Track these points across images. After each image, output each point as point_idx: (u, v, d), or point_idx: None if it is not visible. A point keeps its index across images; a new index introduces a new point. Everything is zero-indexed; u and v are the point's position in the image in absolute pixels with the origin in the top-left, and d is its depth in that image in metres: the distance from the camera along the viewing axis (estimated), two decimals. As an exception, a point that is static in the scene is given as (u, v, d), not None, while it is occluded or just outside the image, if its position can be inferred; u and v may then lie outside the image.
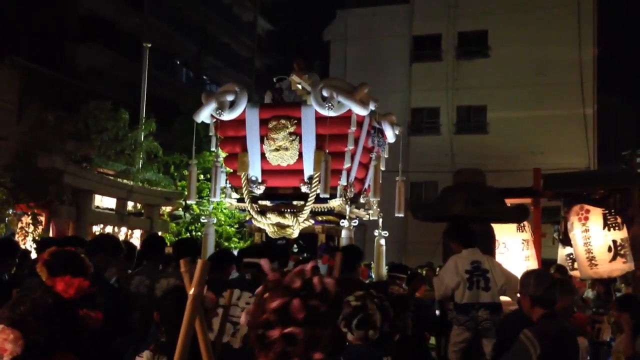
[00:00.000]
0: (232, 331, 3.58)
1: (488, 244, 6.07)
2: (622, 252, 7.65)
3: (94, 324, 1.46)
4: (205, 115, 10.12)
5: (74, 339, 1.42)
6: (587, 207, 7.83)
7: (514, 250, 7.53)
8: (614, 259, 7.70)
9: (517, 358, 3.52)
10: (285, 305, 1.43)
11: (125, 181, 14.05)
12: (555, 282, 3.64)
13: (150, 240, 6.23)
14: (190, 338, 1.54)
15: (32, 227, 11.73)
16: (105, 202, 14.00)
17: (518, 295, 5.30)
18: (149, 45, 17.96)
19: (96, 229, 13.62)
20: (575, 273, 8.93)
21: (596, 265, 7.78)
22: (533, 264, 7.63)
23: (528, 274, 3.67)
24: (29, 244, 10.95)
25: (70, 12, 21.76)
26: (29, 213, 11.83)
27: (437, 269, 10.01)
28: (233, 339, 3.58)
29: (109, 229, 13.89)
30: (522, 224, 7.47)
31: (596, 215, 7.74)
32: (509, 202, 7.29)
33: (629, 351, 4.81)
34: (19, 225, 11.79)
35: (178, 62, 29.21)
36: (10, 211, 11.71)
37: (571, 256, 9.12)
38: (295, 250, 10.82)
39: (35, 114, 13.45)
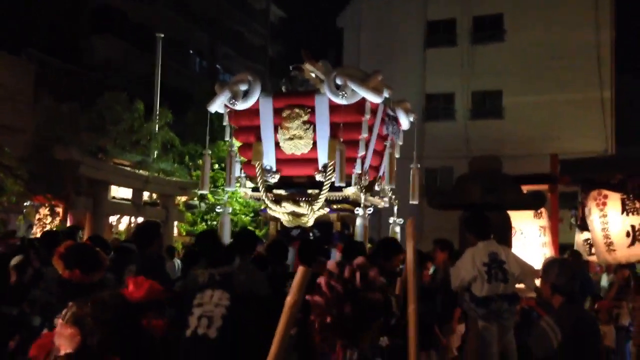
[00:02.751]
0: (207, 323, 3.85)
1: (505, 232, 6.03)
2: (640, 237, 7.55)
3: (156, 332, 1.40)
4: (218, 105, 10.11)
5: (131, 345, 1.38)
6: (605, 192, 7.72)
7: (531, 237, 7.46)
8: (632, 244, 7.60)
9: (538, 344, 3.54)
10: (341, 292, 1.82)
11: (140, 172, 14.12)
12: (577, 272, 3.63)
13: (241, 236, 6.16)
14: (285, 347, 1.54)
15: (49, 219, 11.84)
16: (121, 192, 14.10)
17: (537, 282, 5.30)
18: (162, 35, 17.96)
19: (113, 220, 13.73)
20: (593, 258, 8.86)
21: (614, 250, 7.69)
22: (550, 251, 7.56)
23: (552, 263, 3.66)
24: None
25: (82, 4, 21.84)
26: (46, 205, 11.94)
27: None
28: (209, 330, 3.82)
29: (125, 220, 14.01)
30: (539, 211, 7.39)
31: (614, 200, 7.64)
32: (525, 188, 7.22)
33: (637, 338, 4.79)
34: (37, 216, 11.91)
35: (191, 52, 29.23)
36: (28, 203, 11.82)
37: (589, 241, 9.04)
38: (311, 238, 10.82)
39: (50, 106, 13.53)
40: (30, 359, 1.44)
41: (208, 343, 3.79)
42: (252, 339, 3.99)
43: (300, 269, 1.60)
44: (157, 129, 15.13)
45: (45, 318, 3.74)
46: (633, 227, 7.55)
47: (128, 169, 14.02)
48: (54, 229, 11.08)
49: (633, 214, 7.55)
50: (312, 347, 2.51)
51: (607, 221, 7.68)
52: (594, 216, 7.80)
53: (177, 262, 10.81)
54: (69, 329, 1.34)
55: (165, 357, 1.49)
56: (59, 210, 12.02)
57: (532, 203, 6.90)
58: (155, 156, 14.67)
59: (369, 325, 2.01)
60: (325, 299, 1.96)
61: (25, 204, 11.76)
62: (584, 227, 8.49)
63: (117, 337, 1.36)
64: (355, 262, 2.00)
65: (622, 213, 7.58)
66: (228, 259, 4.19)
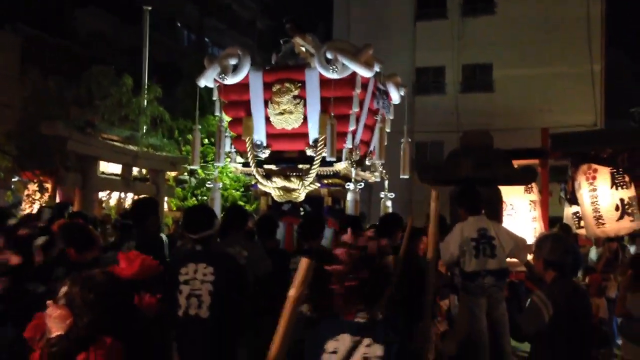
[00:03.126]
0: (197, 303, 3.84)
1: (495, 207, 6.05)
2: (629, 210, 7.63)
3: (149, 310, 1.35)
4: (208, 79, 10.02)
5: (123, 324, 1.34)
6: (594, 166, 7.78)
7: (521, 211, 7.51)
8: (621, 217, 7.69)
9: (530, 319, 3.58)
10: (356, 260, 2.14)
11: (130, 147, 14.02)
12: (569, 247, 3.65)
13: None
14: (289, 339, 1.52)
15: (38, 195, 11.76)
16: (110, 168, 14.01)
17: (529, 257, 5.34)
18: (149, 8, 17.68)
19: (102, 195, 13.67)
20: (582, 231, 8.94)
21: (603, 224, 7.77)
22: (540, 225, 7.62)
23: (545, 238, 3.68)
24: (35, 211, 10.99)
25: (68, -24, 21.44)
26: (35, 181, 11.85)
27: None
28: (200, 310, 3.83)
29: (115, 195, 13.94)
30: (529, 185, 7.43)
31: (604, 174, 7.70)
32: (516, 163, 7.24)
33: (619, 310, 4.86)
34: (26, 192, 11.83)
35: (179, 25, 28.86)
36: (16, 178, 11.73)
37: (577, 214, 9.12)
38: (302, 213, 10.83)
39: (36, 80, 13.35)
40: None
41: (201, 324, 3.79)
42: (240, 311, 4.00)
43: (304, 262, 1.57)
44: (145, 104, 14.98)
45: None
46: (622, 200, 7.63)
47: (117, 144, 13.91)
48: (43, 205, 11.03)
49: (622, 187, 7.61)
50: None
51: (597, 195, 7.75)
52: (583, 190, 7.86)
53: (164, 237, 10.77)
54: (59, 310, 1.31)
55: (159, 335, 1.45)
56: (48, 186, 11.93)
57: (523, 178, 6.93)
58: (145, 131, 14.55)
59: (383, 291, 2.28)
60: (345, 266, 2.21)
61: (13, 179, 11.66)
62: (574, 200, 8.56)
63: (107, 316, 1.32)
64: (367, 233, 2.44)
65: (612, 187, 7.65)
66: (209, 226, 4.10)
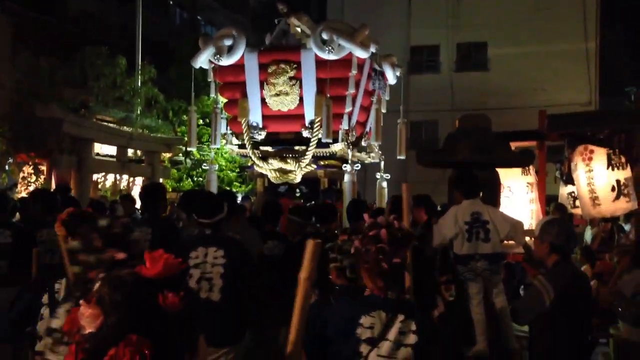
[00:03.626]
0: (209, 287, 3.89)
1: (493, 191, 6.07)
2: (625, 191, 7.66)
3: (173, 308, 1.38)
4: (203, 60, 9.98)
5: (149, 322, 1.38)
6: (591, 147, 7.79)
7: (518, 193, 7.53)
8: (617, 198, 7.72)
9: (531, 302, 3.63)
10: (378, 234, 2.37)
11: (125, 128, 13.93)
12: (573, 232, 3.70)
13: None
14: (305, 319, 1.56)
15: (34, 177, 11.71)
16: (105, 149, 13.94)
17: (527, 239, 5.38)
18: (142, -14, 17.44)
19: (97, 177, 13.62)
20: (577, 211, 8.99)
21: (599, 204, 7.81)
22: (537, 206, 7.66)
23: (551, 223, 3.71)
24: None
25: (58, -46, 21.08)
26: (30, 163, 11.79)
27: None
28: (211, 294, 3.88)
29: (110, 177, 13.89)
30: (526, 168, 7.45)
31: (600, 155, 7.72)
32: (514, 145, 7.25)
33: (612, 288, 4.92)
34: (21, 175, 11.77)
35: (171, 3, 28.54)
36: (10, 161, 11.66)
37: (573, 194, 9.17)
38: (298, 194, 10.87)
39: (28, 61, 13.20)
40: None
41: (213, 307, 3.81)
42: (250, 294, 4.05)
43: (310, 243, 1.61)
44: (140, 84, 14.86)
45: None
46: (618, 181, 7.66)
47: (112, 125, 13.81)
48: (40, 187, 10.99)
49: (618, 168, 7.64)
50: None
51: (593, 176, 7.78)
52: (579, 171, 7.89)
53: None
54: (90, 309, 1.35)
55: (185, 330, 1.50)
56: (43, 168, 11.87)
57: (521, 161, 6.94)
58: (139, 112, 14.45)
59: (404, 267, 2.45)
60: (390, 246, 2.39)
61: (8, 162, 11.59)
62: (569, 180, 8.59)
63: (133, 315, 1.36)
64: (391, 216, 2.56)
65: (608, 168, 7.67)
66: (221, 210, 4.15)
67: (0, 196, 5.72)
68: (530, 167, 7.49)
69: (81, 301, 1.33)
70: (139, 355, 1.28)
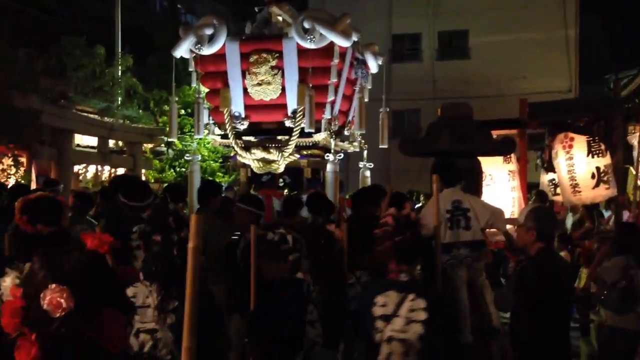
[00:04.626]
0: None
1: (475, 179, 6.11)
2: (605, 178, 7.76)
3: (131, 278, 1.52)
4: (184, 50, 9.89)
5: (117, 295, 1.46)
6: (571, 135, 7.89)
7: (500, 182, 7.60)
8: (597, 185, 7.82)
9: (514, 289, 3.69)
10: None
11: (105, 119, 13.79)
12: (557, 220, 3.76)
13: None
14: (197, 289, 1.56)
15: (14, 169, 11.58)
16: (85, 140, 13.79)
17: (509, 227, 5.43)
18: (120, -26, 17.19)
19: (78, 168, 13.49)
20: (558, 198, 9.09)
21: (580, 192, 7.91)
22: (519, 194, 7.73)
23: (537, 210, 3.77)
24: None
25: (34, -59, 20.70)
26: (9, 155, 11.65)
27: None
28: None
29: (91, 168, 13.78)
30: (508, 156, 7.52)
31: (580, 142, 7.81)
32: (495, 133, 7.30)
33: (591, 274, 4.99)
34: (0, 167, 11.63)
35: (150, -9, 28.25)
36: (-10, 153, 11.52)
37: (554, 181, 9.26)
38: (281, 184, 10.85)
39: (5, 51, 12.99)
40: None
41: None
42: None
43: (194, 217, 1.62)
44: (119, 74, 14.70)
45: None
46: (598, 168, 7.76)
47: (92, 116, 13.67)
48: (20, 180, 10.89)
49: (598, 156, 7.74)
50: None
51: (573, 163, 7.87)
52: (560, 158, 7.98)
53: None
54: (62, 290, 1.40)
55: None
56: (23, 160, 11.73)
57: (502, 149, 6.99)
58: (120, 103, 14.30)
59: (420, 252, 2.83)
60: (392, 228, 2.76)
61: (-13, 154, 11.45)
62: (550, 168, 8.68)
63: (103, 286, 1.42)
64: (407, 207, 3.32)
65: (588, 155, 7.77)
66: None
67: None
68: (512, 155, 7.55)
69: (52, 284, 1.35)
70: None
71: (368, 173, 11.09)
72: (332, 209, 5.99)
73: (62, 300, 1.34)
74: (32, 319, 1.35)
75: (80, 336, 1.36)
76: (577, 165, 7.83)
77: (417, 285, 2.78)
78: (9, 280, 2.89)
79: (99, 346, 1.39)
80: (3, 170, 11.55)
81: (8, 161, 11.63)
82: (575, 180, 7.87)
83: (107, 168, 14.09)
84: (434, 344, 2.67)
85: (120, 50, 15.54)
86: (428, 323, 2.61)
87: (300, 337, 2.88)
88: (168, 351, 2.64)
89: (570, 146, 7.88)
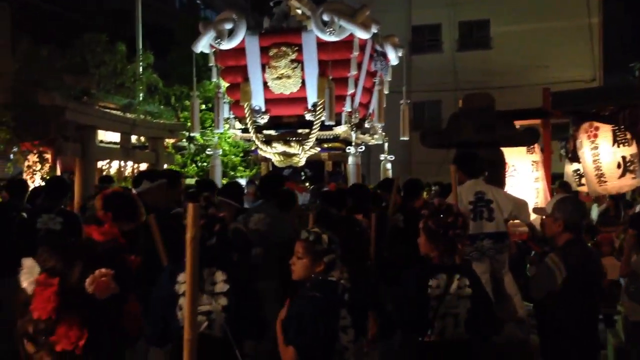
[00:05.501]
0: None
1: (498, 169, 6.04)
2: (631, 168, 7.64)
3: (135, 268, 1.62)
4: (204, 44, 9.94)
5: (133, 285, 1.51)
6: (596, 124, 7.76)
7: (523, 172, 7.51)
8: (623, 175, 7.70)
9: (543, 281, 3.63)
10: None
11: (127, 115, 13.89)
12: (585, 211, 3.72)
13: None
14: (197, 280, 1.62)
15: (39, 166, 11.71)
16: (108, 136, 13.91)
17: (533, 217, 5.37)
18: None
19: (102, 164, 13.62)
20: (583, 189, 8.97)
21: (605, 182, 7.80)
22: (543, 185, 7.63)
23: (565, 201, 3.73)
24: (37, 182, 10.96)
25: (55, -60, 20.90)
26: (35, 151, 11.77)
27: (434, 188, 10.00)
28: None
29: (115, 164, 13.90)
30: (531, 146, 7.42)
31: (605, 132, 7.68)
32: (518, 124, 7.22)
33: (624, 270, 4.90)
34: (26, 163, 11.76)
35: (170, -14, 28.36)
36: (15, 149, 11.65)
37: (578, 172, 9.14)
38: (303, 177, 10.86)
39: (28, 49, 13.12)
40: None
41: None
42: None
43: (190, 206, 1.63)
44: (141, 70, 14.80)
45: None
46: (624, 158, 7.63)
47: (115, 112, 13.77)
48: (45, 175, 11.04)
49: (624, 145, 7.61)
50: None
51: (598, 153, 7.75)
52: (585, 148, 7.86)
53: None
54: (109, 274, 1.47)
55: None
56: (48, 156, 11.85)
57: (526, 139, 6.90)
58: (141, 98, 14.40)
59: (464, 236, 3.26)
60: (440, 217, 3.14)
61: (13, 150, 11.58)
62: (574, 158, 8.56)
63: (125, 277, 1.48)
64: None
65: (613, 145, 7.64)
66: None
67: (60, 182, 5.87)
68: (535, 145, 7.45)
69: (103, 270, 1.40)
70: None
71: (389, 165, 11.06)
72: (379, 200, 5.95)
73: (110, 283, 1.38)
74: (74, 302, 1.37)
75: (117, 318, 1.44)
76: (602, 155, 7.71)
77: (459, 267, 3.20)
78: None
79: (122, 328, 1.47)
80: (29, 166, 11.68)
81: (34, 158, 11.75)
82: (601, 170, 7.75)
83: (129, 163, 14.19)
84: (479, 315, 3.09)
85: (141, 47, 15.63)
86: (474, 297, 3.08)
87: (332, 343, 2.77)
88: (222, 330, 2.99)
89: (595, 135, 7.76)
